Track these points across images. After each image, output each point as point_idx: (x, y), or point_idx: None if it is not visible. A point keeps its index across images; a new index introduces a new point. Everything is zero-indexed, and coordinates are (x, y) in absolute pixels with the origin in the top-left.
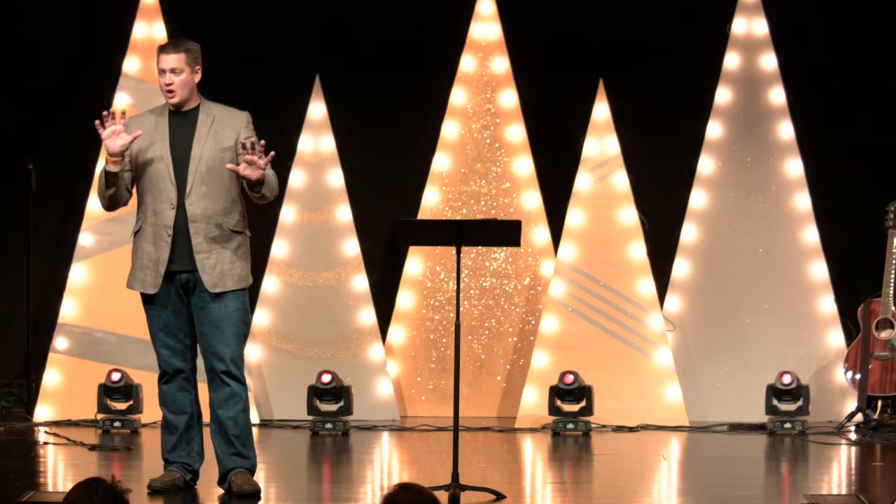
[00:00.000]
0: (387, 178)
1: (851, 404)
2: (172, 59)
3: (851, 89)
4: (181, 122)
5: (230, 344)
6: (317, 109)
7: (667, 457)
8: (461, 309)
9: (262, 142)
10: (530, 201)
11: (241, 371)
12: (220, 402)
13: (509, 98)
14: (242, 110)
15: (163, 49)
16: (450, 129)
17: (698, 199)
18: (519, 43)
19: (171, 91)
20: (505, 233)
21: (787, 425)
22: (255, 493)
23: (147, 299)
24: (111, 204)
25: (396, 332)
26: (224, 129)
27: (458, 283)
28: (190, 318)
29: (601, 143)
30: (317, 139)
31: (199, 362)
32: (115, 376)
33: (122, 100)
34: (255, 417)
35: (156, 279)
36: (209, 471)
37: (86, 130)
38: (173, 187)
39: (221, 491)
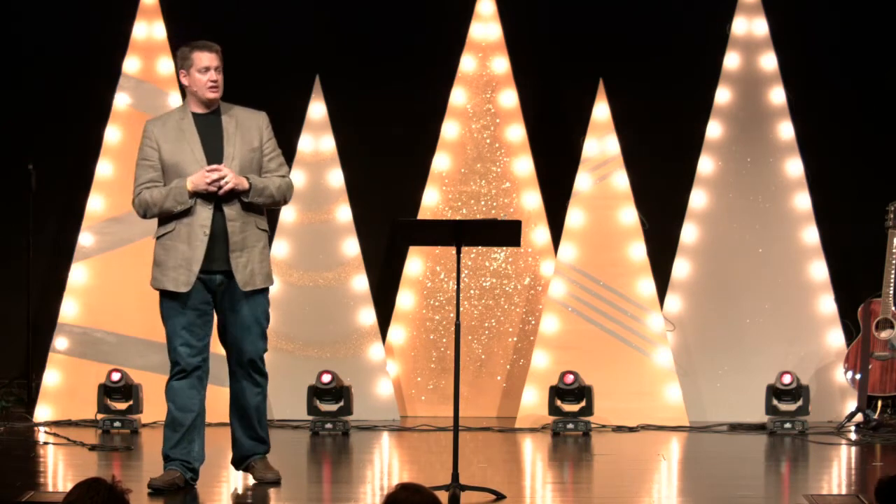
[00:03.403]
0: (387, 178)
1: (851, 404)
2: (216, 58)
3: (851, 89)
4: (206, 123)
5: (258, 342)
6: (317, 109)
7: (667, 457)
8: (461, 309)
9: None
10: (530, 201)
11: (264, 364)
12: (242, 393)
13: (509, 98)
14: (259, 110)
15: (204, 48)
16: (450, 129)
17: (698, 199)
18: (519, 43)
19: (217, 88)
20: (505, 233)
21: (787, 425)
22: (278, 481)
23: (173, 297)
24: (156, 216)
25: (396, 332)
26: (249, 131)
27: (458, 283)
28: (211, 318)
29: (601, 143)
30: (317, 139)
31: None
32: (115, 376)
33: (122, 100)
34: None
35: (189, 277)
36: (209, 471)
37: (85, 131)
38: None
39: (221, 491)
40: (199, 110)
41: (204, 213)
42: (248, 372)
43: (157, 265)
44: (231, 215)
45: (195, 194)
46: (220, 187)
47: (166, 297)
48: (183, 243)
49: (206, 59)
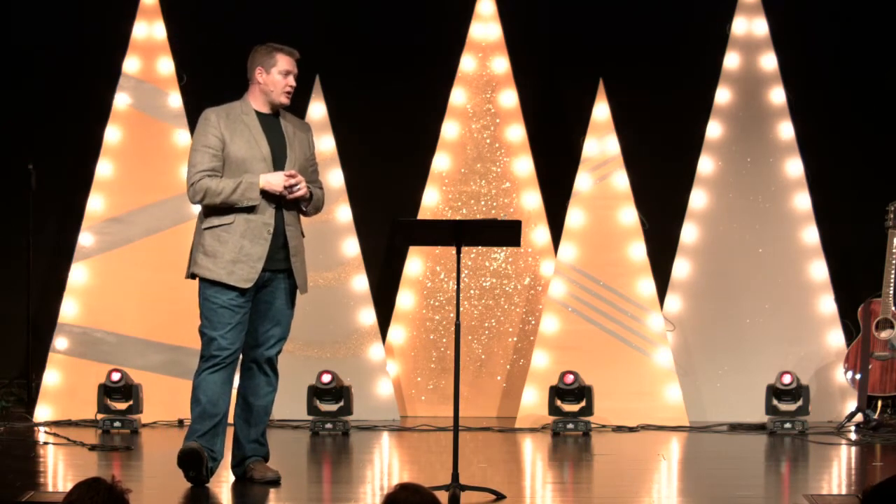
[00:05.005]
0: (387, 178)
1: (851, 404)
2: (296, 65)
3: (851, 89)
4: (269, 124)
5: (282, 339)
6: (317, 109)
7: (667, 457)
8: (461, 309)
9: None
10: (530, 201)
11: (277, 363)
12: (254, 390)
13: (509, 98)
14: (305, 121)
15: (289, 53)
16: (450, 129)
17: (698, 199)
18: (519, 43)
19: (291, 94)
20: (505, 233)
21: (787, 425)
22: (278, 480)
23: (224, 289)
24: (213, 206)
25: (396, 332)
26: (303, 139)
27: (458, 283)
28: (250, 314)
29: (601, 143)
30: (317, 139)
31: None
32: (115, 376)
33: (122, 100)
34: None
35: (251, 274)
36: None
37: (85, 131)
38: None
39: (221, 491)
40: (263, 110)
41: (269, 212)
42: (264, 368)
43: (209, 255)
44: (289, 219)
45: (262, 192)
46: (291, 192)
47: (216, 289)
48: (244, 238)
49: (288, 64)
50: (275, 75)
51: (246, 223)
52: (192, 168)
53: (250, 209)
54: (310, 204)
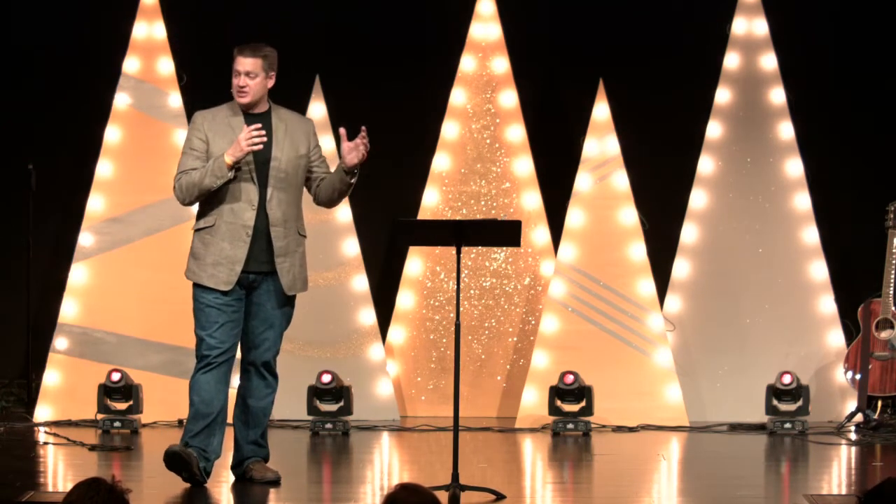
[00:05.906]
0: (387, 178)
1: (851, 404)
2: (249, 63)
3: (851, 89)
4: (256, 123)
5: (277, 342)
6: (317, 109)
7: (667, 457)
8: (461, 309)
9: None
10: (530, 201)
11: (276, 366)
12: (251, 392)
13: (509, 98)
14: (307, 117)
15: (240, 52)
16: (450, 129)
17: (698, 199)
18: (519, 43)
19: (244, 93)
20: (505, 233)
21: (787, 425)
22: (277, 481)
23: (208, 291)
24: (196, 198)
25: (396, 332)
26: (298, 136)
27: (458, 283)
28: (242, 315)
29: (601, 143)
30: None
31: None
32: (115, 376)
33: (122, 100)
34: None
35: (230, 277)
36: (216, 472)
37: (85, 131)
38: (255, 188)
39: (221, 491)
40: (249, 109)
41: (247, 214)
42: (261, 371)
43: (195, 258)
44: (275, 220)
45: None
46: (365, 147)
47: (201, 290)
48: (224, 241)
49: (237, 63)
50: (233, 76)
51: (227, 226)
52: (177, 171)
53: (230, 211)
54: (356, 177)
